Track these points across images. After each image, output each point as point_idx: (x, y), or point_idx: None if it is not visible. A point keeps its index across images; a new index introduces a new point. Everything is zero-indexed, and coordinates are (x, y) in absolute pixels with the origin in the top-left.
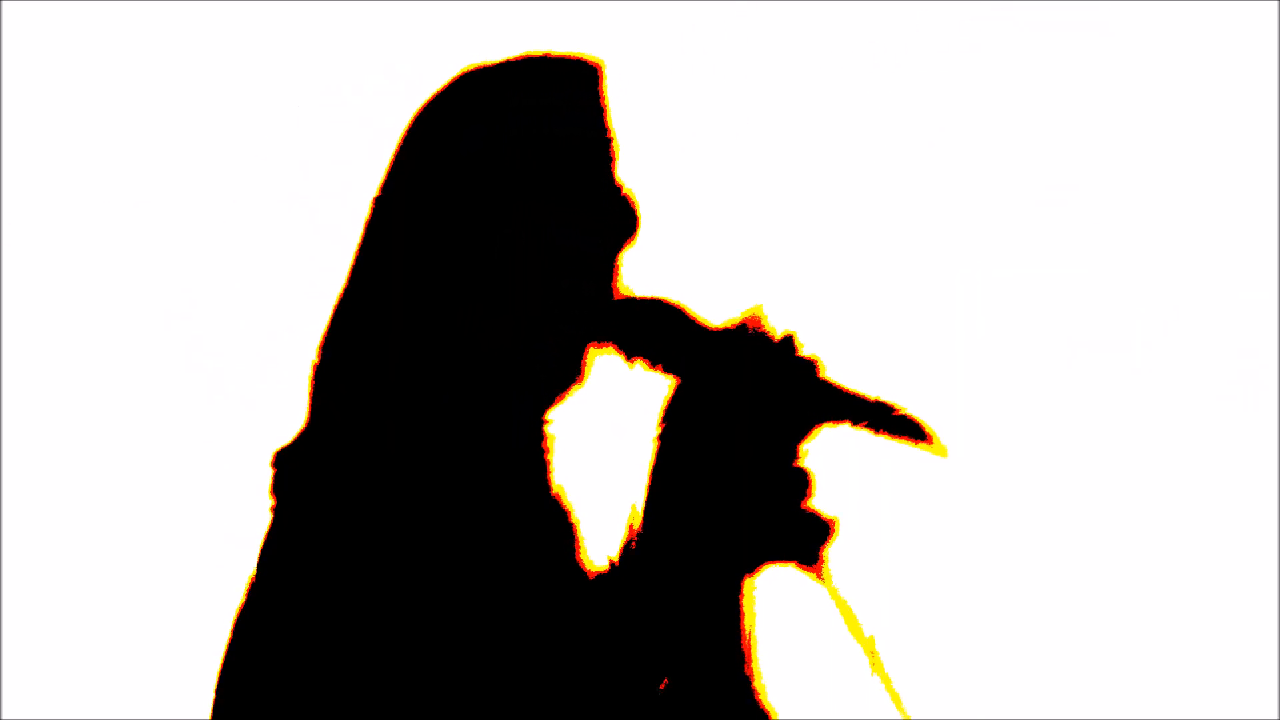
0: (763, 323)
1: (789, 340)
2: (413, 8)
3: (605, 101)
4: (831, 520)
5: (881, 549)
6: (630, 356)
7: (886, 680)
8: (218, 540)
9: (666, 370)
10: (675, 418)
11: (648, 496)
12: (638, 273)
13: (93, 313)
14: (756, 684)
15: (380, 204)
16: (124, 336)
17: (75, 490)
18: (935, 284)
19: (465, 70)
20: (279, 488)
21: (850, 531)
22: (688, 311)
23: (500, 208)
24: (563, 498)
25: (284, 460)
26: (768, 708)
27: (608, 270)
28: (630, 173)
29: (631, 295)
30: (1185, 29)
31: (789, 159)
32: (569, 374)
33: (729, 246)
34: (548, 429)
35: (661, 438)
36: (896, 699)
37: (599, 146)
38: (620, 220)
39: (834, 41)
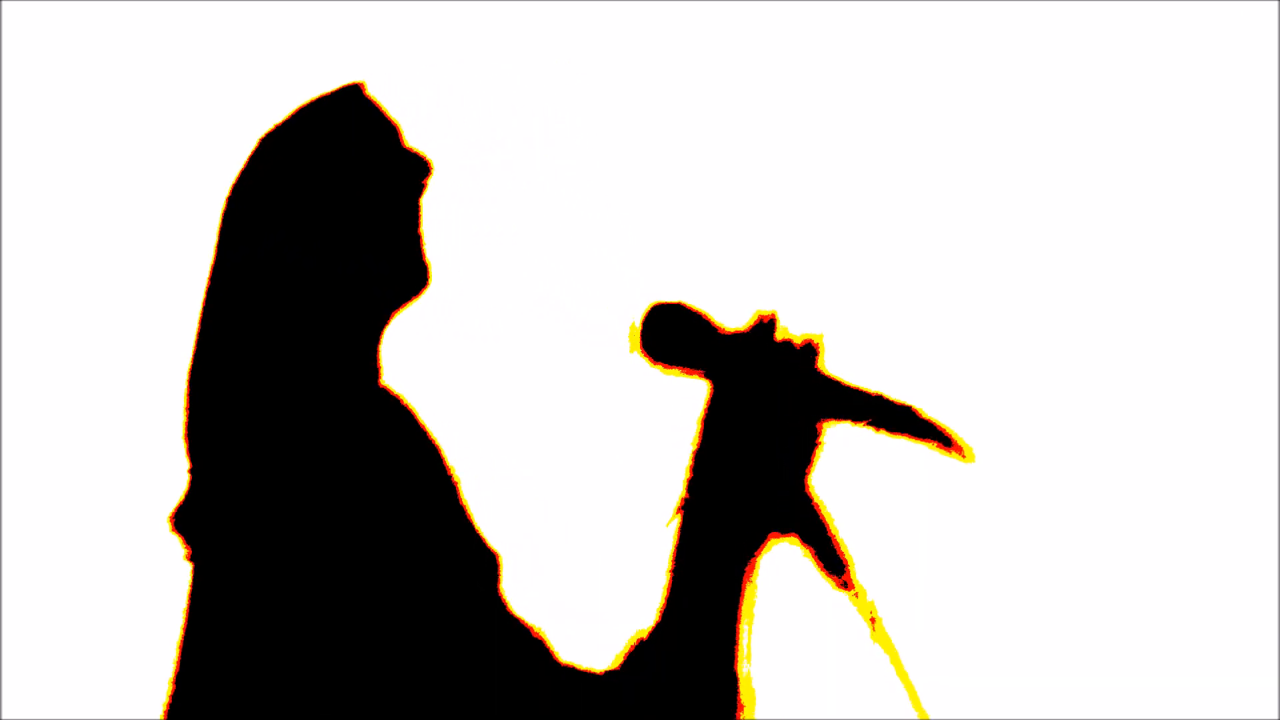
0: (781, 326)
1: (810, 345)
2: (411, 8)
3: (389, 115)
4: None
5: (902, 553)
6: (654, 360)
7: (911, 690)
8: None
9: (688, 371)
10: (715, 420)
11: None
12: (648, 278)
13: (93, 312)
14: (741, 670)
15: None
16: (124, 336)
17: (75, 490)
18: (959, 287)
19: (299, 107)
20: (189, 542)
21: (871, 536)
22: (706, 316)
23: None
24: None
25: (183, 519)
26: (743, 681)
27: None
28: (638, 173)
29: (656, 299)
30: (1185, 29)
31: (801, 161)
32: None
33: (746, 250)
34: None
35: (703, 437)
36: (918, 706)
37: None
38: (413, 168)
39: (835, 42)
